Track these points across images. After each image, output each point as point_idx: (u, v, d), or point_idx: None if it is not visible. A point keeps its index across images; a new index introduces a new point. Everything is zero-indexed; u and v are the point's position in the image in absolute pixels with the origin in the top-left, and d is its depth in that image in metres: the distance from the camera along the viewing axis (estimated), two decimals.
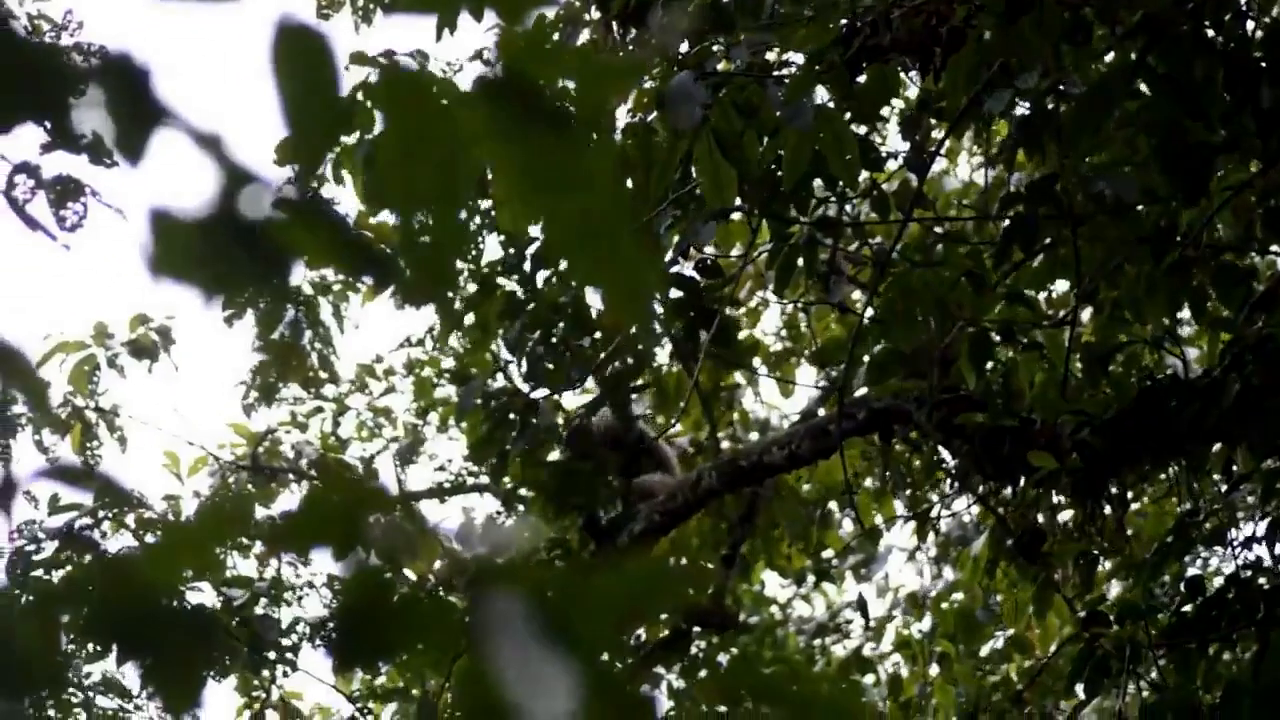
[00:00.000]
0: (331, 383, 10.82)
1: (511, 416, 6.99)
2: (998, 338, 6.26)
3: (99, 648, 7.96)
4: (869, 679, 10.54)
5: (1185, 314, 6.22)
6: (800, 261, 6.14)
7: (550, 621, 1.55)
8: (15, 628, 1.67)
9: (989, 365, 6.28)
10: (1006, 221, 5.85)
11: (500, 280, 7.15)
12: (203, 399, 17.88)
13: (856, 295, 7.37)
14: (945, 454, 7.09)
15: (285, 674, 8.84)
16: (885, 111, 6.44)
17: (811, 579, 11.64)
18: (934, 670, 9.84)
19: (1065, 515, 6.73)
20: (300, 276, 9.41)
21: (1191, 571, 6.65)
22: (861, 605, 10.49)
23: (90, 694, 8.90)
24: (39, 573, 7.82)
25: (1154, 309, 6.01)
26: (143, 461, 10.42)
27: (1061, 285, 6.87)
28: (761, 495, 8.64)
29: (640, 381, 7.44)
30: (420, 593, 1.66)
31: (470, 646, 1.54)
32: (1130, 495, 6.87)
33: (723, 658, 9.16)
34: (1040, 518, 6.71)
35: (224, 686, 9.50)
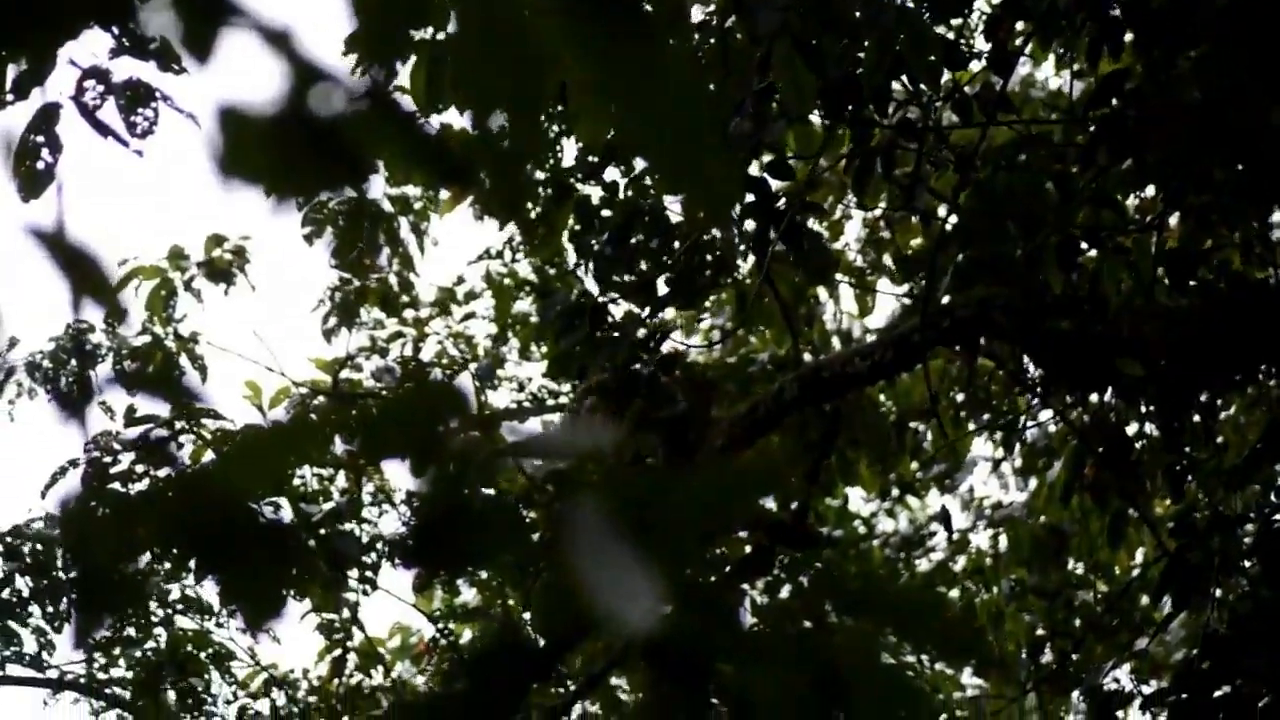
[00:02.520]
0: (411, 307, 10.75)
1: (586, 330, 6.88)
2: (1084, 244, 6.16)
3: (178, 564, 7.99)
4: (954, 593, 10.49)
5: (1277, 217, 6.12)
6: (880, 167, 6.05)
7: (634, 526, 1.52)
8: (93, 541, 1.65)
9: (1074, 272, 6.18)
10: (1093, 126, 5.75)
11: (577, 186, 7.02)
12: (283, 324, 17.87)
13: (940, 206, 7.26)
14: (1029, 364, 6.99)
15: (365, 593, 8.86)
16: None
17: (895, 492, 11.59)
18: (1007, 595, 9.78)
19: (1150, 428, 6.65)
20: (379, 192, 9.31)
21: None
22: (944, 518, 10.43)
23: (170, 610, 8.94)
24: (115, 485, 7.81)
25: (1242, 212, 5.91)
26: (224, 391, 10.35)
27: (1149, 190, 6.76)
28: (844, 411, 8.57)
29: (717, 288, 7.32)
30: (499, 504, 1.63)
31: (551, 557, 1.50)
32: (1220, 403, 6.78)
33: (806, 573, 9.14)
34: (1127, 428, 6.62)
35: (305, 628, 9.54)
